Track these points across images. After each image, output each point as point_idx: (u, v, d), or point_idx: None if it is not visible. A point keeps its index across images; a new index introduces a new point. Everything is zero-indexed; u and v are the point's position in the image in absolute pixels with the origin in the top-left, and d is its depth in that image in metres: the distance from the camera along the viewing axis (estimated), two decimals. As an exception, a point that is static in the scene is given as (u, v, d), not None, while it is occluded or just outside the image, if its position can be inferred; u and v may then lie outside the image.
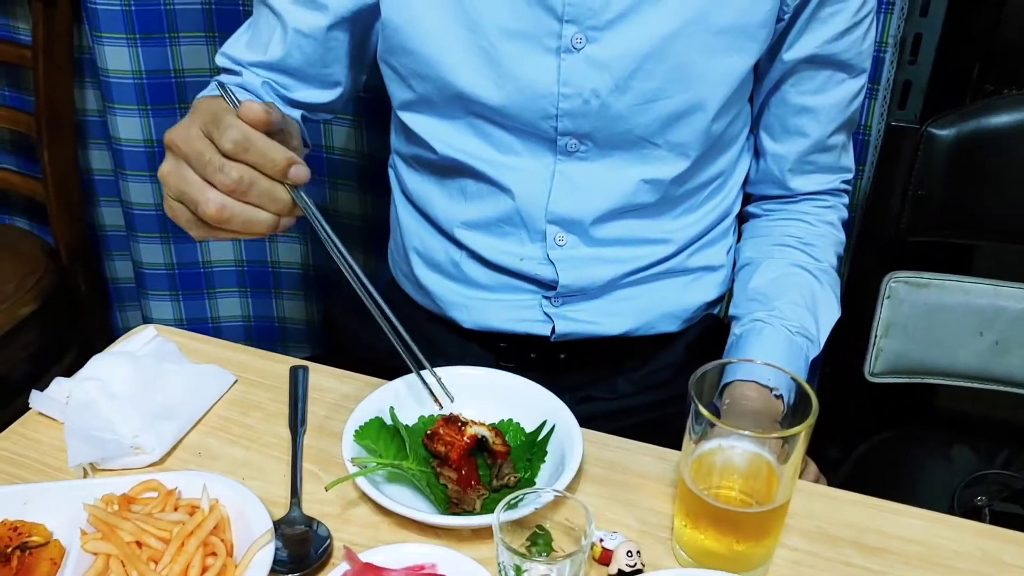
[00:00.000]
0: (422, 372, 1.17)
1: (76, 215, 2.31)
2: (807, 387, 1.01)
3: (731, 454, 1.05)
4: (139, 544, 1.01)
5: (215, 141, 0.96)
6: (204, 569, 1.00)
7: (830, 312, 1.50)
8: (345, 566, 1.00)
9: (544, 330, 1.48)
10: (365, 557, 1.01)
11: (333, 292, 2.34)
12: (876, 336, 1.87)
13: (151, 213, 2.20)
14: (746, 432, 0.96)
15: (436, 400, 1.17)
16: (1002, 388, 1.88)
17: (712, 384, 1.06)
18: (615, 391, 1.57)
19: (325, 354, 1.72)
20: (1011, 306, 1.81)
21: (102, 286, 2.56)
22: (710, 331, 1.61)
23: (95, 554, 1.00)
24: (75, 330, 2.42)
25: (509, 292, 1.45)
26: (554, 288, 1.42)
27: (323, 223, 1.04)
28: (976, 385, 1.89)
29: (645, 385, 1.58)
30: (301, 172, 0.99)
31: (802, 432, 0.97)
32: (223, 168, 0.95)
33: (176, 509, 1.06)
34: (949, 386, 2.03)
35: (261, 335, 2.49)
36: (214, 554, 1.02)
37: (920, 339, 1.87)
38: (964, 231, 1.82)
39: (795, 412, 1.03)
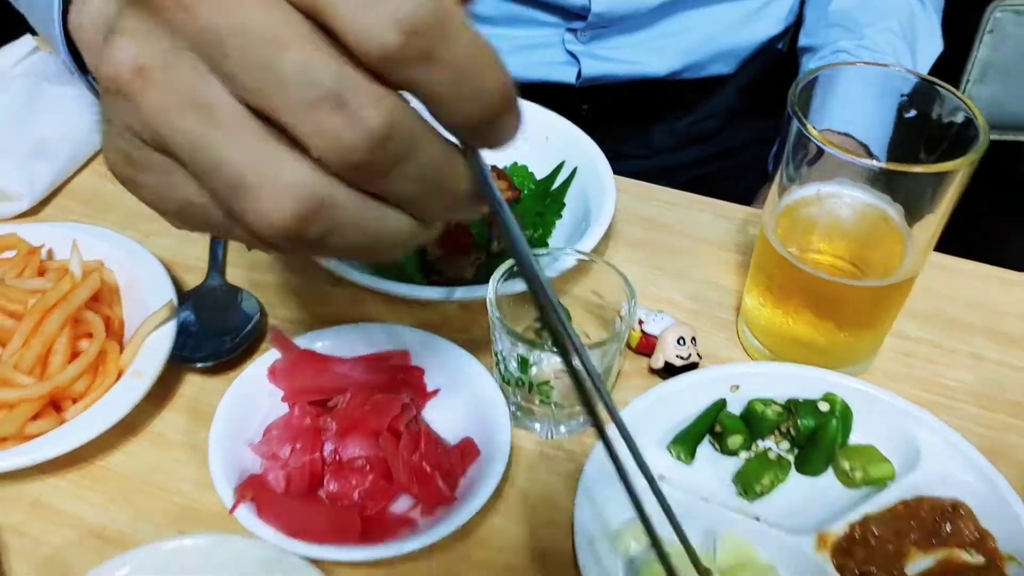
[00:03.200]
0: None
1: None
2: (972, 106, 0.67)
3: (835, 206, 0.72)
4: (-18, 320, 0.71)
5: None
6: (74, 355, 0.70)
7: (931, 45, 1.17)
8: (276, 354, 0.70)
9: (567, 75, 1.14)
10: (304, 342, 0.71)
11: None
12: (969, 80, 1.54)
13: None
14: (874, 163, 0.63)
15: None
16: (1114, 149, 1.55)
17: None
18: (650, 146, 1.25)
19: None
20: None
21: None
22: (769, 69, 1.28)
23: (-81, 334, 0.70)
24: None
25: (522, 25, 1.13)
26: (584, 17, 1.10)
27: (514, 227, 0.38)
28: (1082, 146, 1.56)
29: (688, 138, 1.26)
30: (516, 118, 0.36)
31: (962, 170, 0.63)
32: (356, 94, 0.33)
33: (42, 274, 0.75)
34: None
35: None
36: (89, 335, 0.71)
37: (1021, 86, 1.53)
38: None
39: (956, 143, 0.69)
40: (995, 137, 1.57)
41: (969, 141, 0.65)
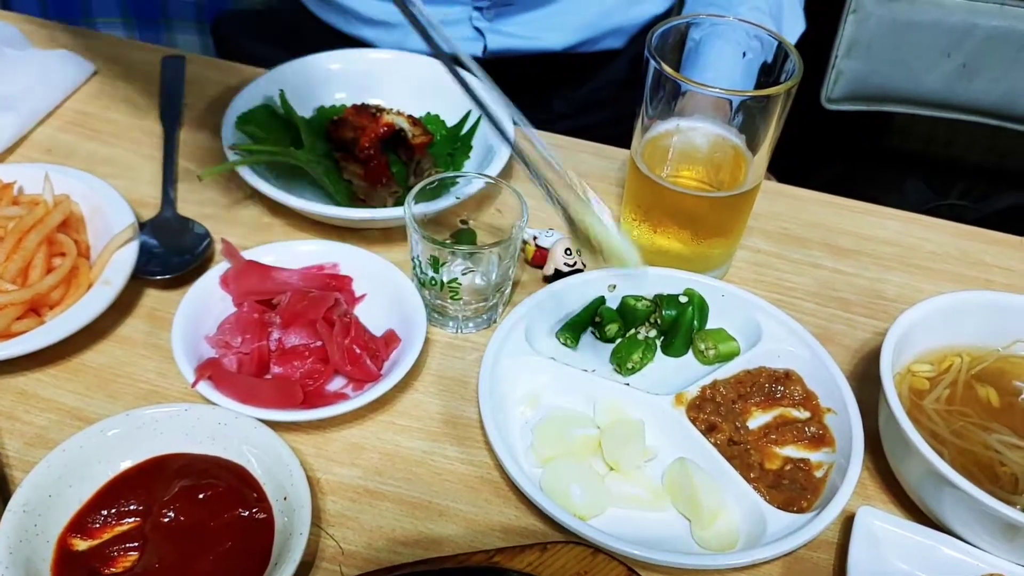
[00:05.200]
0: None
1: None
2: (788, 45, 0.82)
3: (691, 136, 0.88)
4: (-34, 242, 0.82)
5: None
6: (50, 270, 0.81)
7: (795, 22, 1.34)
8: (226, 266, 0.83)
9: (474, 48, 1.29)
10: (250, 256, 0.83)
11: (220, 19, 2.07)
12: (837, 56, 1.71)
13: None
14: (716, 89, 0.78)
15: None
16: (964, 116, 1.74)
17: (676, 46, 0.87)
18: (551, 112, 1.39)
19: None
20: (984, 24, 1.64)
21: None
22: None
23: (-89, 256, 0.80)
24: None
25: (434, 4, 1.27)
26: None
27: None
28: (937, 114, 1.75)
29: (585, 104, 1.41)
30: None
31: (781, 94, 0.79)
32: None
33: (15, 205, 0.86)
34: (902, 123, 1.89)
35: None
36: (63, 254, 0.83)
37: (884, 60, 1.70)
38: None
39: (768, 75, 0.85)
40: (862, 108, 1.76)
41: (790, 74, 0.80)
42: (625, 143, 1.42)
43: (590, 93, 1.41)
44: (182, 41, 2.19)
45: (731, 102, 0.81)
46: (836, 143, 1.93)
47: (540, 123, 1.42)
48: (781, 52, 0.83)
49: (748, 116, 0.82)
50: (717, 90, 0.79)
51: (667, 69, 0.80)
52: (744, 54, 0.87)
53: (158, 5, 2.14)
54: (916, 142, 1.96)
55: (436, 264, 0.79)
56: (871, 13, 1.65)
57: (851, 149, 1.95)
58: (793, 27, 1.34)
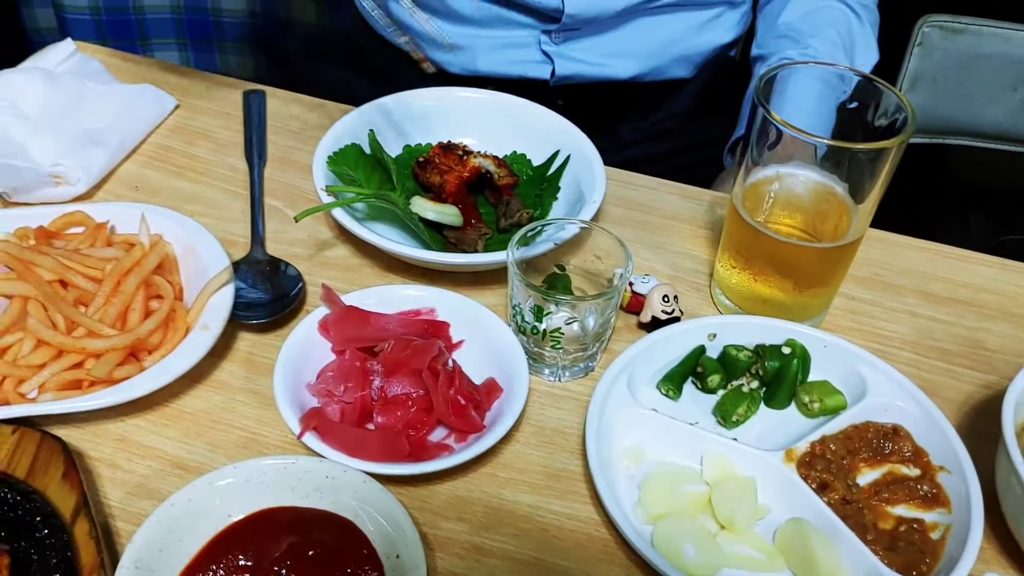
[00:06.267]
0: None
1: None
2: (901, 96, 0.81)
3: (791, 183, 0.86)
4: (63, 284, 0.81)
5: None
6: (148, 313, 0.81)
7: (868, 54, 1.32)
8: (323, 311, 0.82)
9: (542, 72, 1.28)
10: (349, 300, 0.82)
11: (285, 39, 2.07)
12: (901, 89, 1.69)
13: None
14: (824, 140, 0.77)
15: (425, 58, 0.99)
16: (1028, 150, 1.72)
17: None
18: (618, 141, 1.38)
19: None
20: (1052, 57, 1.61)
21: (20, 38, 2.26)
22: (724, 75, 1.43)
23: (9, 297, 0.80)
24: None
25: (503, 27, 1.27)
26: (557, 20, 1.24)
27: None
28: (1000, 146, 1.73)
29: (650, 134, 1.40)
30: None
31: (895, 148, 0.77)
32: None
33: (109, 245, 0.86)
34: (964, 156, 1.87)
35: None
36: (159, 296, 0.82)
37: (949, 94, 1.68)
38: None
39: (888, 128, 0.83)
40: (925, 140, 1.74)
41: (901, 124, 0.79)
42: (688, 175, 1.41)
43: (656, 124, 1.40)
44: (236, 63, 2.21)
45: (821, 149, 0.79)
46: (897, 176, 1.91)
47: (607, 152, 1.42)
48: (890, 101, 0.81)
49: (855, 166, 0.81)
50: (825, 141, 0.77)
51: (775, 117, 0.78)
52: (846, 104, 0.86)
53: (212, 27, 2.15)
54: (978, 175, 1.94)
55: (539, 313, 0.78)
56: (936, 46, 1.64)
57: (912, 182, 1.92)
58: (866, 59, 1.33)
